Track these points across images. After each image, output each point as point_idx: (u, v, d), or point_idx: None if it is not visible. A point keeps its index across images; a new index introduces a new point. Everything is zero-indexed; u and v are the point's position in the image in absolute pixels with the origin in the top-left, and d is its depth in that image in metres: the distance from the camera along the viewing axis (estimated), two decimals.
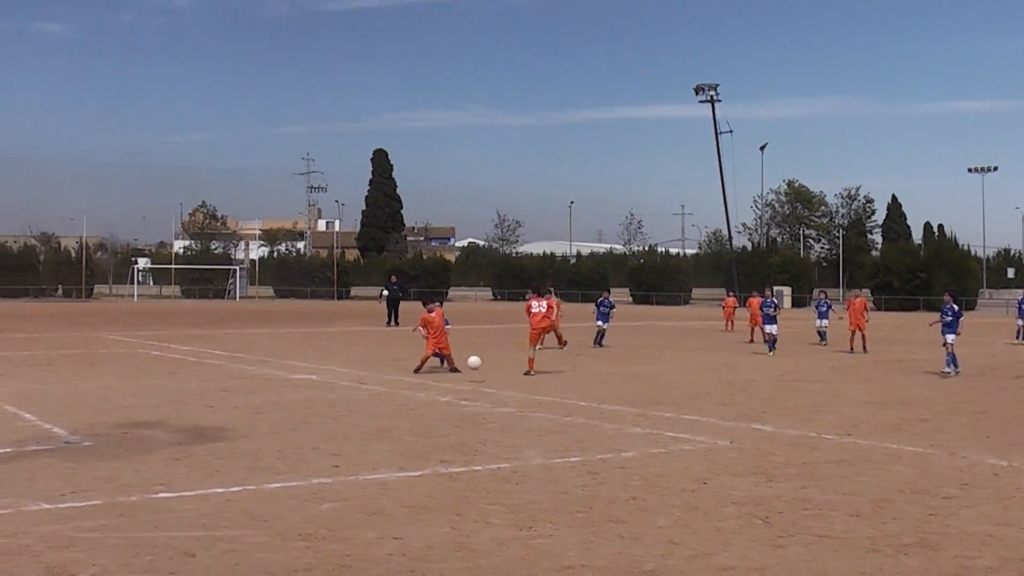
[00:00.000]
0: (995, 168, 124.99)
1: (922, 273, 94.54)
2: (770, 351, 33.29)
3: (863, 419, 18.26)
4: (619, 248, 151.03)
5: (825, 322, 39.35)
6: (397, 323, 50.21)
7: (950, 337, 26.68)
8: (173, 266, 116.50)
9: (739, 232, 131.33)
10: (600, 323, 37.78)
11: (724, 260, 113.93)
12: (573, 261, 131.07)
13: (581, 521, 10.34)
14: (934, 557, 9.10)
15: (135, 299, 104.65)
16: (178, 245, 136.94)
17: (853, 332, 35.32)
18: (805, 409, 19.05)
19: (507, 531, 9.94)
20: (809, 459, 14.04)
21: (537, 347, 27.09)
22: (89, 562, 8.80)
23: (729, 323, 50.18)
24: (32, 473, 12.78)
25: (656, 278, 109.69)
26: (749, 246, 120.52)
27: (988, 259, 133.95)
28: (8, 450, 14.44)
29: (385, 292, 52.58)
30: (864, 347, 34.83)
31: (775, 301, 35.02)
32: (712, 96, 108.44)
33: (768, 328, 34.04)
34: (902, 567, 8.79)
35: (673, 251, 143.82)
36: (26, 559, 8.92)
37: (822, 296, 42.05)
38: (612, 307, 38.77)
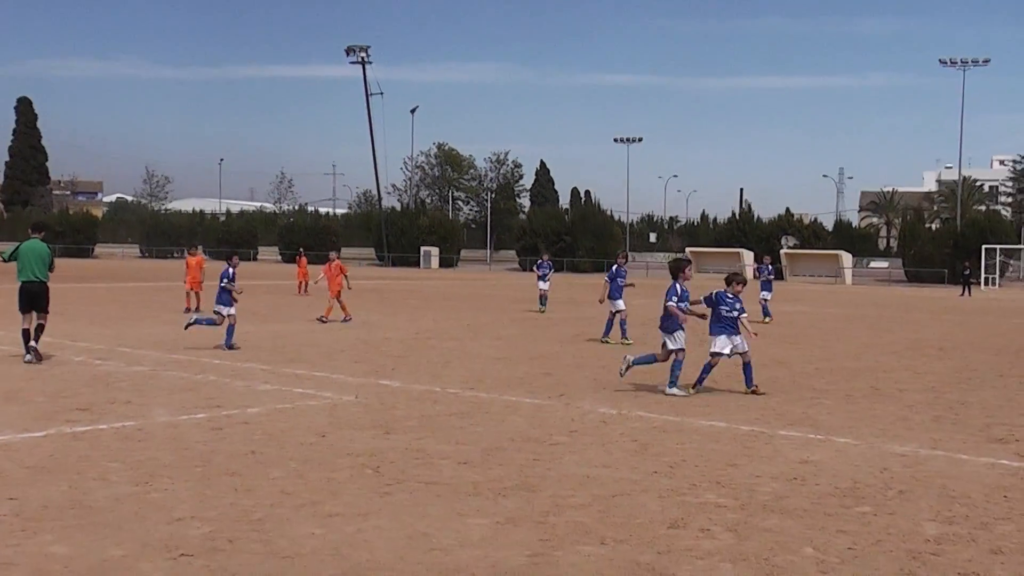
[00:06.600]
0: (640, 139, 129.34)
1: (567, 236, 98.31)
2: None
3: (490, 374, 19.08)
4: (270, 206, 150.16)
5: (544, 285, 37.60)
6: None
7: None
8: None
9: (389, 193, 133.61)
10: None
11: (374, 220, 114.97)
12: (223, 219, 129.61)
13: (198, 475, 10.55)
14: (531, 498, 9.78)
15: None
16: None
17: None
18: (435, 365, 19.70)
19: (124, 487, 10.04)
20: (430, 412, 14.65)
21: None
22: None
23: (303, 285, 46.51)
24: None
25: (305, 237, 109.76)
26: (399, 207, 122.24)
27: (632, 224, 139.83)
28: None
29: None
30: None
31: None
32: (363, 58, 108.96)
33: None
34: (499, 507, 9.44)
35: (323, 210, 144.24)
36: None
37: (544, 258, 39.73)
38: None
